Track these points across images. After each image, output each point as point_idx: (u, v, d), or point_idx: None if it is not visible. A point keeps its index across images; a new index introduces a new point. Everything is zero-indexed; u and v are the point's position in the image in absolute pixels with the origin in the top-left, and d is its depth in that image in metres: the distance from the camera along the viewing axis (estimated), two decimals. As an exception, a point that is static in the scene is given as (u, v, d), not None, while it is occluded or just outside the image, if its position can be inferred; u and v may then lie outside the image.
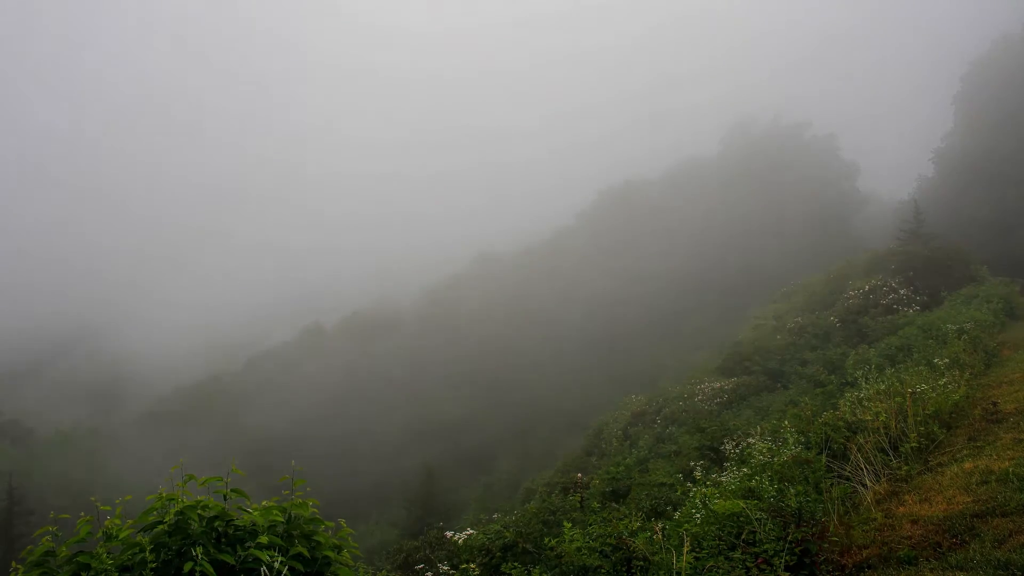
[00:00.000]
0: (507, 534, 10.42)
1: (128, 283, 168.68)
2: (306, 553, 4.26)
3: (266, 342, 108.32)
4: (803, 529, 6.25)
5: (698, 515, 6.90)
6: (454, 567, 9.87)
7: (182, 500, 4.24)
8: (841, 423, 9.85)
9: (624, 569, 6.61)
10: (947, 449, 8.93)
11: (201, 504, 4.25)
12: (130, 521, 4.26)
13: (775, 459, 8.73)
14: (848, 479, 8.10)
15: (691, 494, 8.59)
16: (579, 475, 22.78)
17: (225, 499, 4.43)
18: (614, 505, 11.82)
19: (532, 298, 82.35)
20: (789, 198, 77.42)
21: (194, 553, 3.94)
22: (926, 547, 5.93)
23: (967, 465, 7.82)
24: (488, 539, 10.47)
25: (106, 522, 4.17)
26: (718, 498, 7.28)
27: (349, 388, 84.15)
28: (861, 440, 8.81)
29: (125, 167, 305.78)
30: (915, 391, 10.36)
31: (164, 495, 4.29)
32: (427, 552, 14.24)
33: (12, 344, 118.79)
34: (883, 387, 11.09)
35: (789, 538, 6.07)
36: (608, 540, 7.00)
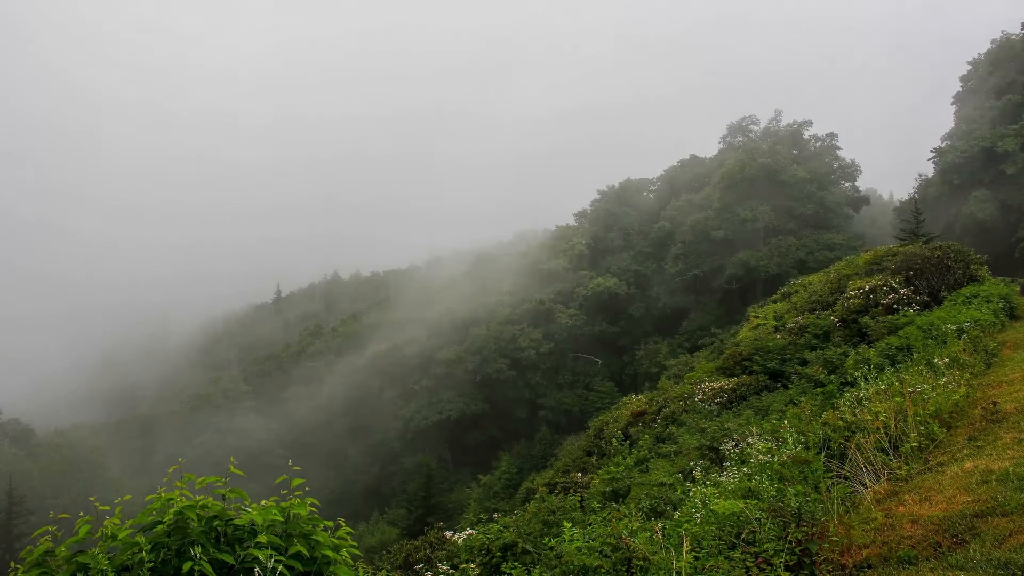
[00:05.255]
0: (507, 534, 10.41)
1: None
2: (305, 552, 4.26)
3: (265, 343, 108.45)
4: (803, 529, 6.25)
5: (698, 515, 6.89)
6: (454, 567, 9.84)
7: (181, 500, 4.24)
8: (841, 423, 9.82)
9: (624, 569, 6.60)
10: (947, 449, 8.91)
11: (200, 504, 4.25)
12: (129, 521, 4.25)
13: (775, 459, 8.72)
14: (848, 479, 8.09)
15: (691, 494, 8.59)
16: (579, 475, 22.79)
17: (224, 499, 4.43)
18: (614, 505, 11.80)
19: (532, 298, 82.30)
20: (789, 198, 77.46)
21: (193, 553, 3.94)
22: (926, 547, 5.93)
23: (967, 465, 7.81)
24: (488, 539, 10.46)
25: (105, 522, 4.17)
26: (718, 498, 7.28)
27: (348, 388, 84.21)
28: (861, 440, 8.79)
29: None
30: (915, 391, 10.33)
31: (163, 495, 4.28)
32: (427, 552, 14.22)
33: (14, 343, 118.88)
34: (883, 387, 11.05)
35: (789, 538, 6.06)
36: (608, 540, 6.98)
